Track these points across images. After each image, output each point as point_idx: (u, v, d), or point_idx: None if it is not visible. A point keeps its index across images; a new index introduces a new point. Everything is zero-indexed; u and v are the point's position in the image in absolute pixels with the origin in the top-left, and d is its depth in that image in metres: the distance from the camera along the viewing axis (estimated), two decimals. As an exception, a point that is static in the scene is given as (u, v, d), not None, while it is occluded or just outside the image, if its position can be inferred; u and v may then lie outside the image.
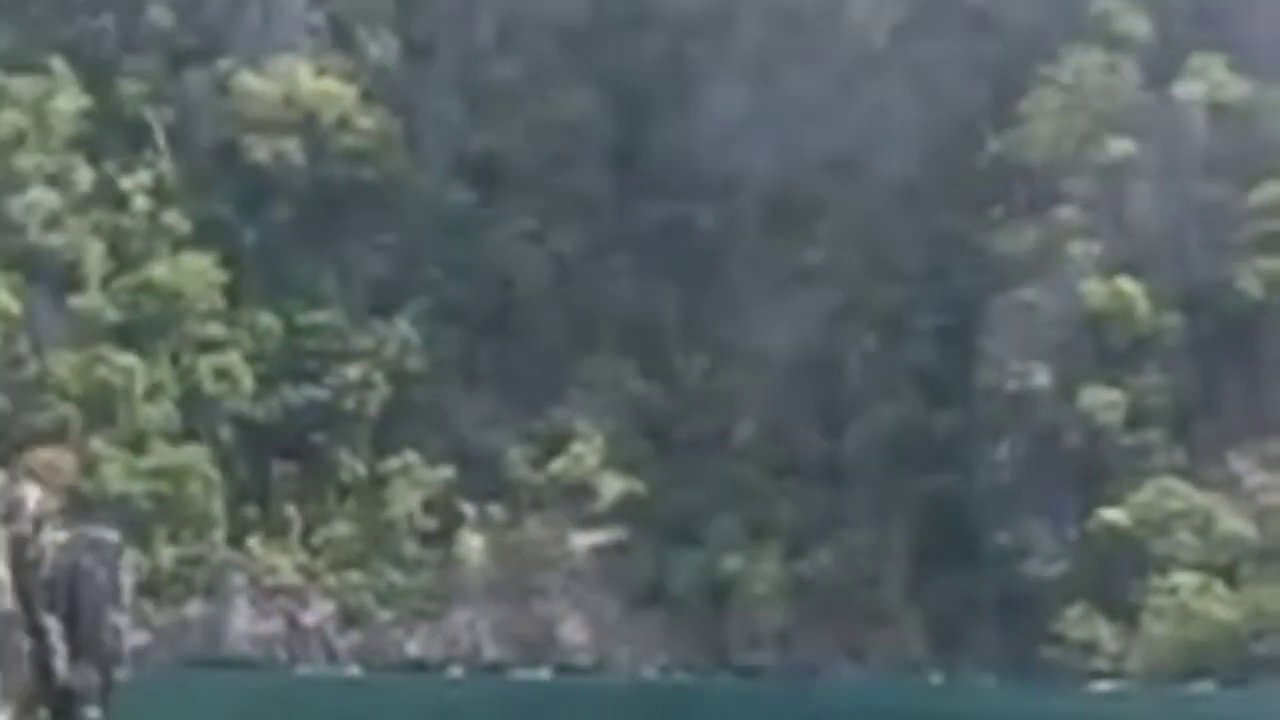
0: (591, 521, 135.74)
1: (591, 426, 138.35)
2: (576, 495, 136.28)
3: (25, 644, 20.21)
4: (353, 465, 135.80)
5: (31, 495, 21.65)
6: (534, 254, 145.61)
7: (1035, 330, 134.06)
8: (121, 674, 21.28)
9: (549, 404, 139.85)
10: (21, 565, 20.56)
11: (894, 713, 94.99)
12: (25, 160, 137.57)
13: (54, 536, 21.11)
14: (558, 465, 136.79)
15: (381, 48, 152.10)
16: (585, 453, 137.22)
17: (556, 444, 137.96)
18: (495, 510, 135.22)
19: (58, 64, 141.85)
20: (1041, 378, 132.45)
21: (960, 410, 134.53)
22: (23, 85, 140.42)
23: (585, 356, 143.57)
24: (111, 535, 21.47)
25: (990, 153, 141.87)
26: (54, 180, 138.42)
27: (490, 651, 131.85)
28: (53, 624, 20.37)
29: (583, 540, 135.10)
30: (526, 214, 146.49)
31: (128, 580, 21.18)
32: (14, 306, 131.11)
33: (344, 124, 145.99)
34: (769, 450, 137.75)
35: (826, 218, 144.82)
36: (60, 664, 20.29)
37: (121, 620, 21.03)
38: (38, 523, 21.17)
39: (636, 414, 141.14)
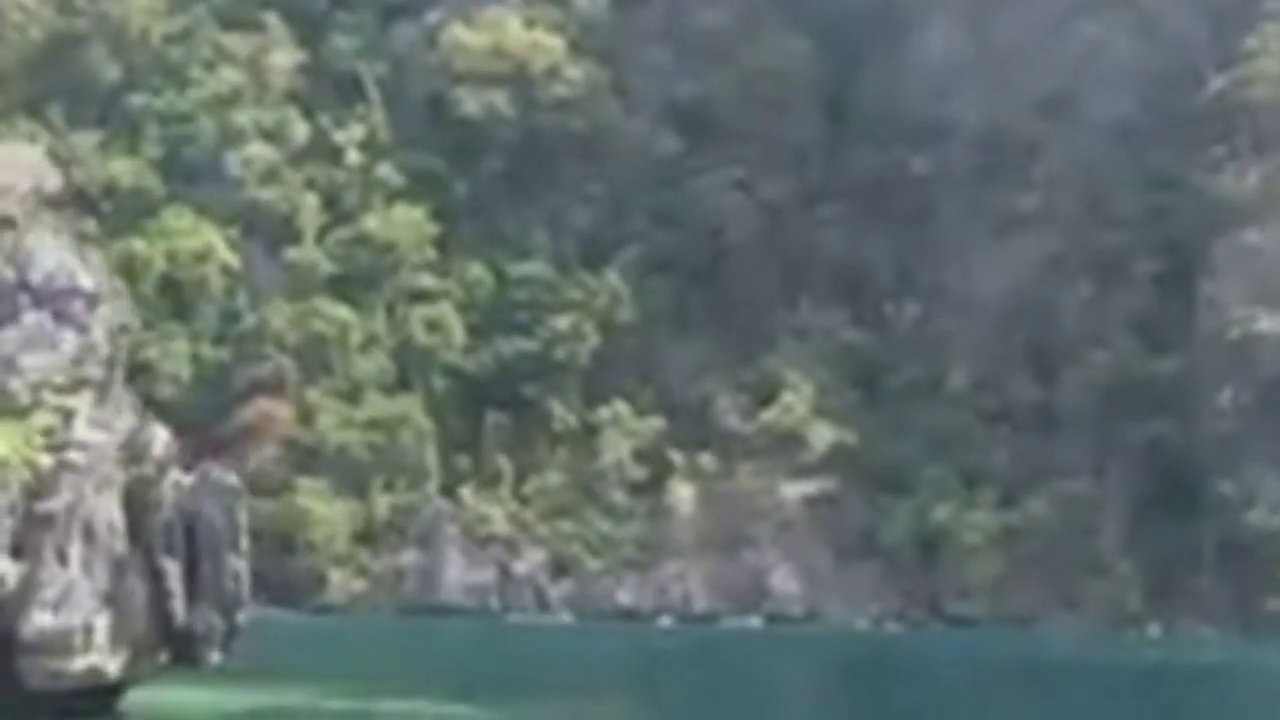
0: (802, 471, 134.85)
1: (802, 375, 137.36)
2: (787, 445, 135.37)
3: (140, 587, 20.07)
4: (563, 415, 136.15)
5: (159, 438, 21.47)
6: (744, 203, 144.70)
7: (1260, 274, 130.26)
8: (243, 618, 21.07)
9: (759, 353, 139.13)
10: (140, 508, 20.42)
11: (1111, 665, 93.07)
12: (242, 116, 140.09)
13: (177, 479, 20.93)
14: (768, 415, 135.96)
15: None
16: (796, 402, 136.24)
17: (767, 393, 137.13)
18: (705, 460, 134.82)
19: (272, 20, 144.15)
20: (1266, 323, 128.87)
21: (1180, 357, 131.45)
22: (238, 42, 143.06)
23: (796, 305, 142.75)
24: (232, 480, 21.24)
25: (1211, 91, 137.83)
26: (270, 135, 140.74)
27: (700, 602, 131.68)
28: (171, 567, 20.20)
29: (794, 490, 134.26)
30: (736, 162, 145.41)
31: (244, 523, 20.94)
32: (232, 259, 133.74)
33: (553, 75, 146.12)
34: (981, 398, 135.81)
35: (1041, 161, 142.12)
36: (178, 607, 20.12)
37: (241, 565, 20.81)
38: (161, 466, 21.00)
39: (847, 362, 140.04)
